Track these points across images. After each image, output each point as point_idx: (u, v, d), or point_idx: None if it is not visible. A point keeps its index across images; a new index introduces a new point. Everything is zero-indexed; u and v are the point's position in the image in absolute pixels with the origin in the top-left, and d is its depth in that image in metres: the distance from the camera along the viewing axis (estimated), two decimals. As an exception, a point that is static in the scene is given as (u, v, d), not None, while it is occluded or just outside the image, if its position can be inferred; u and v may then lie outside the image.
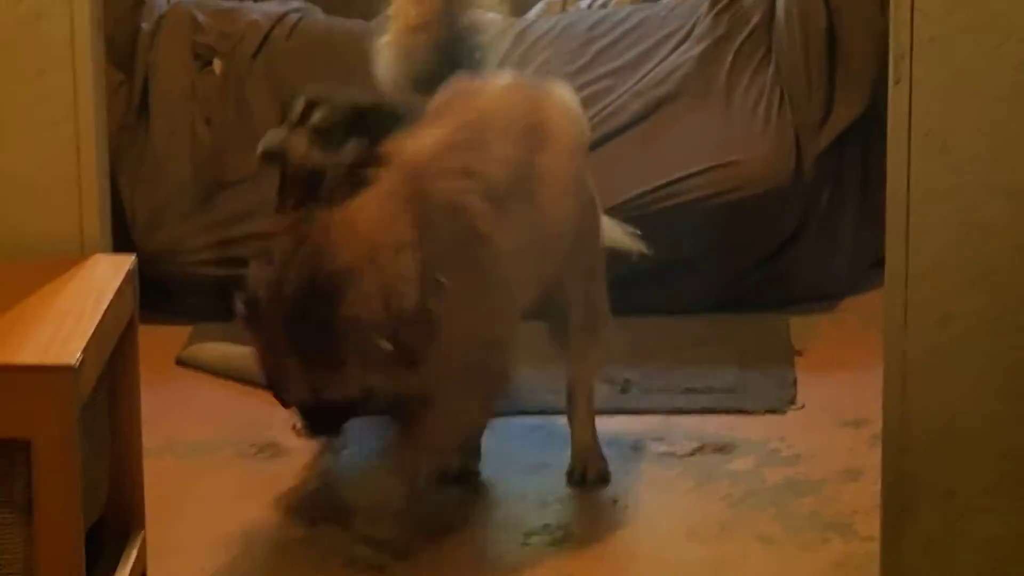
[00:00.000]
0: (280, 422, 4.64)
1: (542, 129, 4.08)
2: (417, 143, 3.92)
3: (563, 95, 4.29)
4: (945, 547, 3.14)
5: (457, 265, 3.81)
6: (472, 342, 3.91)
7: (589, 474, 4.29)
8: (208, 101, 5.16)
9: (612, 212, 4.79)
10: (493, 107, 4.11)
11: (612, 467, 4.37)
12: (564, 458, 4.29)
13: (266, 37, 5.20)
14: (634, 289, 4.88)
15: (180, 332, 5.06)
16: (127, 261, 3.09)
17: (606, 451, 4.43)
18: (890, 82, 3.05)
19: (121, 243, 3.22)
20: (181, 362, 4.94)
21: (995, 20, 3.01)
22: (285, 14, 5.29)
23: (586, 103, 5.12)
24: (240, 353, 4.90)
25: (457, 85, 4.17)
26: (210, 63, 5.16)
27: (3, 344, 2.80)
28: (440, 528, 4.13)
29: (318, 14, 5.39)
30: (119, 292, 2.99)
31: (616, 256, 4.47)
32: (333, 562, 4.01)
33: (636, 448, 4.52)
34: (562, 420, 4.34)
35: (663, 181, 5.20)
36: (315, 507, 4.29)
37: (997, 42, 3.01)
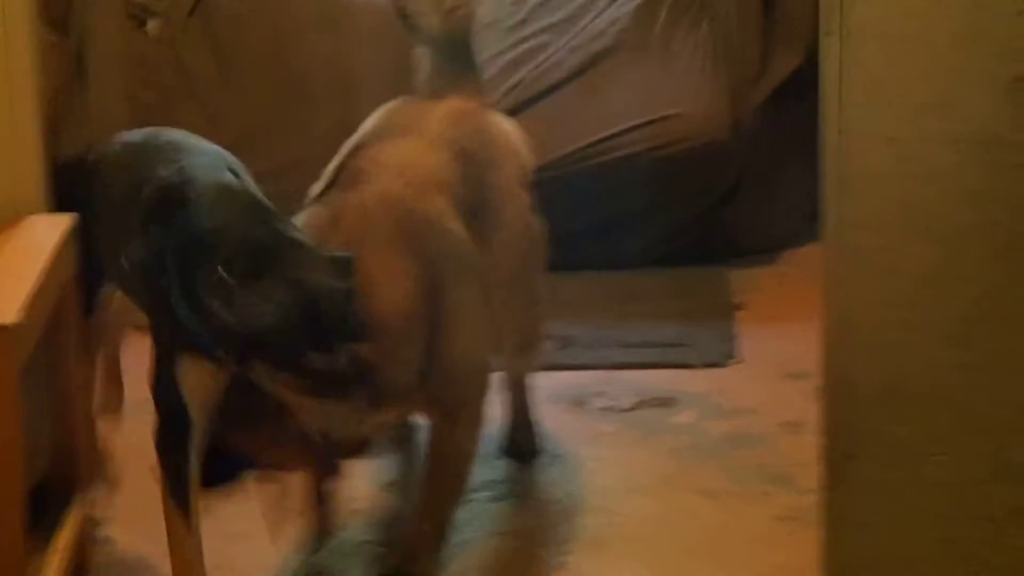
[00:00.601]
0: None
1: (491, 152, 4.05)
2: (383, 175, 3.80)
3: (506, 121, 4.24)
4: (887, 495, 3.15)
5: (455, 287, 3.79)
6: (475, 363, 3.82)
7: (524, 448, 4.32)
8: (145, 63, 5.16)
9: (553, 166, 4.83)
10: (443, 130, 4.06)
11: (554, 422, 4.39)
12: (502, 416, 4.30)
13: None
14: (576, 245, 4.92)
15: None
16: (66, 220, 3.08)
17: (548, 407, 4.45)
18: (821, 33, 3.06)
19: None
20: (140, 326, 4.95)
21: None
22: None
23: (524, 58, 5.14)
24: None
25: (402, 106, 4.17)
26: (144, 24, 5.16)
27: (-60, 304, 2.80)
28: (383, 487, 4.15)
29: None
30: (57, 252, 2.99)
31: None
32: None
33: (578, 403, 4.55)
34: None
35: (603, 135, 5.24)
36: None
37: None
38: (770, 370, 4.62)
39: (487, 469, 4.18)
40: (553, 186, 4.72)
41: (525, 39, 5.26)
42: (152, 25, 5.15)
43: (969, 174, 3.05)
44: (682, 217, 5.29)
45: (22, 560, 2.77)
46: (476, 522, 4.02)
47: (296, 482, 3.51)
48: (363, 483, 4.04)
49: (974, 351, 3.11)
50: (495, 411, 4.10)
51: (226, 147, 5.06)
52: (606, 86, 5.29)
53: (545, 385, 4.51)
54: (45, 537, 3.00)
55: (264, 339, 3.13)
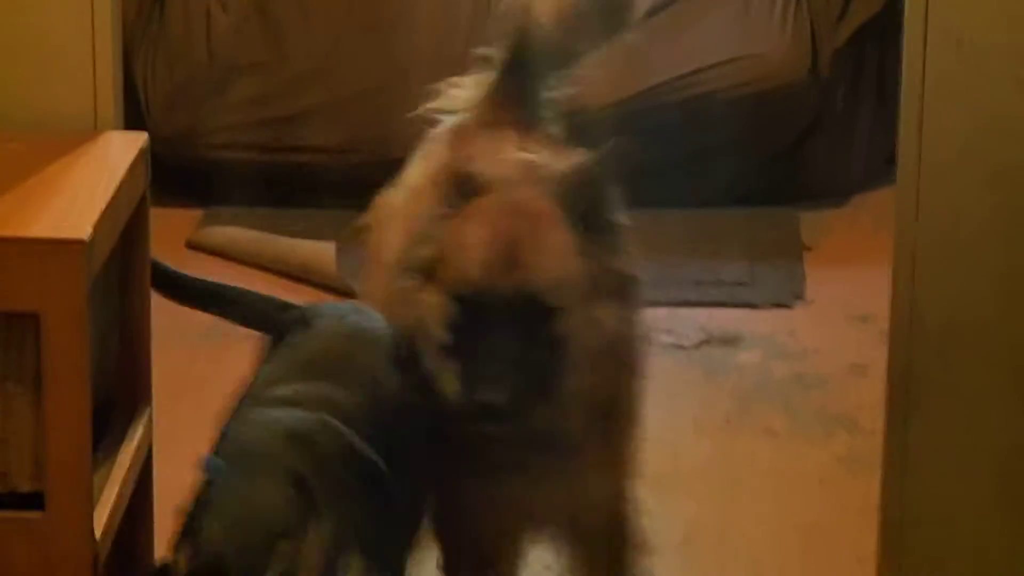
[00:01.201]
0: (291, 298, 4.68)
1: None
2: None
3: None
4: (949, 443, 3.16)
5: None
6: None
7: None
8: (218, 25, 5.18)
9: (636, 99, 4.84)
10: None
11: None
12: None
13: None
14: (652, 181, 4.91)
15: (190, 216, 5.08)
16: (140, 139, 3.08)
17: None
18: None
19: (133, 127, 3.20)
20: (193, 244, 4.97)
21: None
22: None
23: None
24: (248, 237, 4.95)
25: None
26: None
27: (16, 218, 2.80)
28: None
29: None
30: (131, 169, 2.99)
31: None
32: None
33: (644, 339, 4.57)
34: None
35: (685, 71, 5.24)
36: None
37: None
38: (837, 312, 4.62)
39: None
40: (634, 120, 4.74)
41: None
42: None
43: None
44: (758, 157, 5.29)
45: (87, 472, 2.79)
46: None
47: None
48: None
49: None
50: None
51: (299, 76, 5.11)
52: (691, 23, 5.30)
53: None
54: (110, 454, 3.01)
55: None
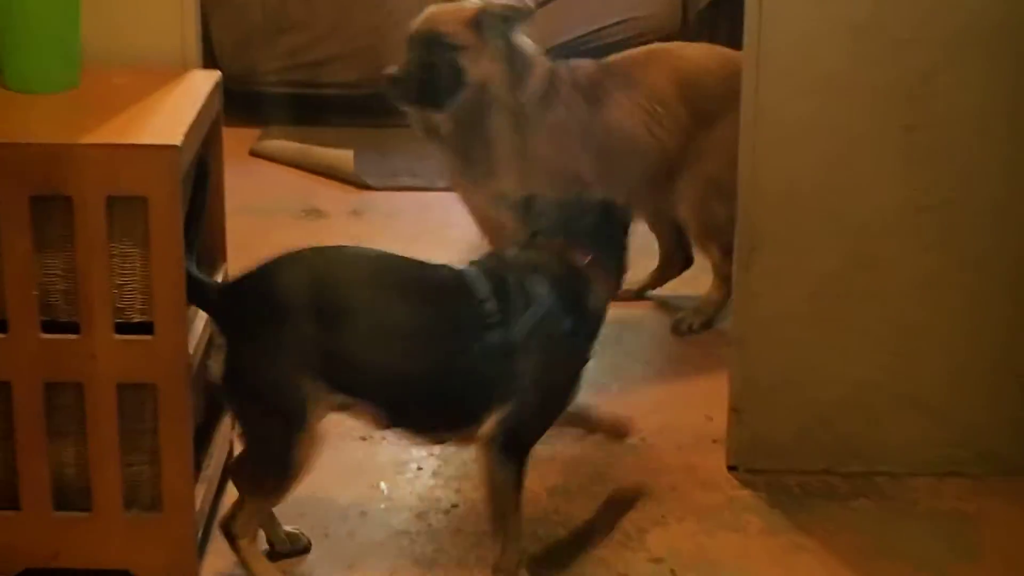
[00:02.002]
0: (321, 193, 4.67)
1: None
2: None
3: None
4: (781, 278, 3.17)
5: None
6: None
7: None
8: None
9: (564, 47, 4.81)
10: None
11: None
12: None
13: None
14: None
15: (252, 132, 5.08)
16: (215, 75, 3.07)
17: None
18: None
19: (209, 67, 3.17)
20: (253, 153, 4.98)
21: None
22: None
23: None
24: (293, 147, 4.95)
25: None
26: None
27: (129, 130, 2.78)
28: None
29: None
30: (209, 97, 2.98)
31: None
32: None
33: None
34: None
35: (595, 27, 5.23)
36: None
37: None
38: None
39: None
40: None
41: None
42: None
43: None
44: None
45: (183, 307, 2.77)
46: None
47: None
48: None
49: (843, 173, 3.12)
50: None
51: (323, 33, 5.07)
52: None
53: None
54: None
55: None
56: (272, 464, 2.82)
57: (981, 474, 3.21)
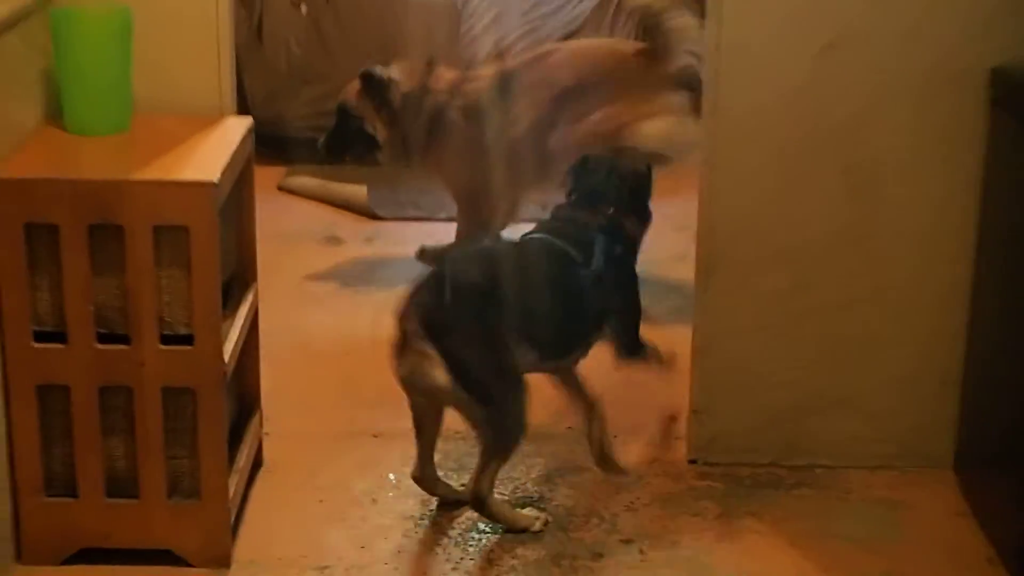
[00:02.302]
0: (339, 222, 4.67)
1: None
2: None
3: None
4: (734, 298, 3.18)
5: None
6: None
7: None
8: (298, 28, 5.13)
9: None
10: None
11: None
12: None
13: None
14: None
15: (280, 170, 5.08)
16: (247, 121, 3.07)
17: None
18: (707, 19, 3.04)
19: (242, 114, 3.18)
20: (281, 188, 4.98)
21: None
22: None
23: (530, 32, 5.11)
24: (314, 183, 4.95)
25: None
26: (299, 5, 5.13)
27: (173, 168, 2.79)
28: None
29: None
30: (243, 140, 2.98)
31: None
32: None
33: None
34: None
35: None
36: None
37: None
38: (667, 225, 4.58)
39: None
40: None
41: (530, 20, 5.21)
42: (303, 6, 5.12)
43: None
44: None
45: (219, 321, 2.80)
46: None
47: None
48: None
49: (788, 208, 3.12)
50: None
51: (341, 85, 5.06)
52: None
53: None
54: (232, 311, 3.00)
55: None
56: (514, 428, 2.96)
57: (906, 467, 3.22)
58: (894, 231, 3.10)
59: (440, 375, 2.86)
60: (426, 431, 3.08)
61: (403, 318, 2.92)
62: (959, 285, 3.11)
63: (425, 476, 3.11)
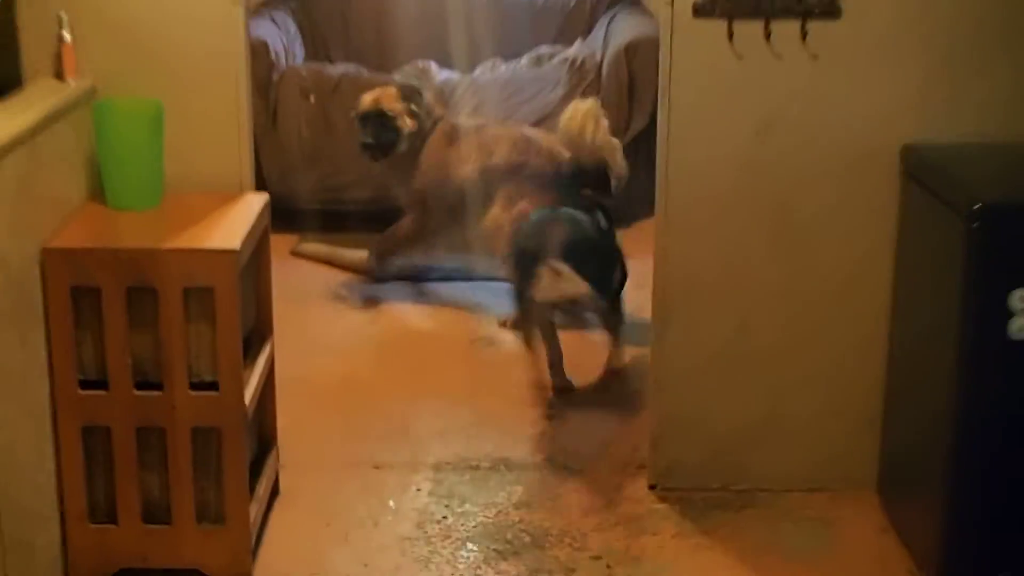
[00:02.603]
0: (345, 282, 4.67)
1: None
2: None
3: None
4: (687, 343, 3.17)
5: None
6: None
7: None
8: (308, 115, 5.14)
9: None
10: None
11: (510, 307, 4.33)
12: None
13: (337, 84, 5.17)
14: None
15: (292, 238, 5.05)
16: (264, 197, 3.08)
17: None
18: (659, 107, 3.08)
19: (260, 189, 3.19)
20: (294, 253, 4.95)
21: (731, 90, 3.02)
22: (346, 73, 5.24)
23: (507, 117, 5.10)
24: (323, 249, 4.93)
25: None
26: (308, 95, 5.14)
27: (200, 237, 2.80)
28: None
29: (364, 73, 5.31)
30: (260, 213, 2.99)
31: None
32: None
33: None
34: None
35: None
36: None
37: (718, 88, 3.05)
38: (629, 282, 4.59)
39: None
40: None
41: (510, 108, 5.19)
42: (311, 97, 5.13)
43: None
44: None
45: (240, 369, 2.80)
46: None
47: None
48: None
49: (731, 265, 3.13)
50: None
51: (345, 162, 5.06)
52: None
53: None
54: (252, 361, 3.00)
55: None
56: (624, 312, 4.01)
57: (838, 489, 3.21)
58: (822, 286, 3.12)
59: (579, 284, 3.57)
60: (554, 344, 3.80)
61: (535, 254, 3.61)
62: (878, 332, 3.12)
63: (565, 384, 3.78)
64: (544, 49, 5.49)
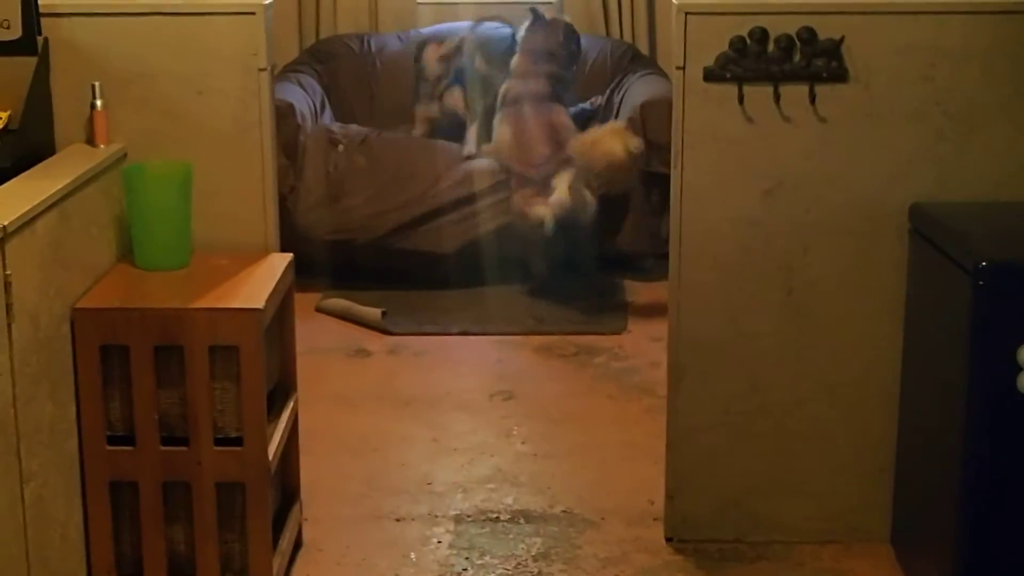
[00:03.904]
0: (366, 338, 4.67)
1: None
2: None
3: None
4: (700, 400, 3.16)
5: None
6: None
7: None
8: (336, 161, 5.13)
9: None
10: None
11: (527, 362, 4.37)
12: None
13: (365, 137, 5.19)
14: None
15: (315, 296, 5.05)
16: (288, 257, 3.09)
17: (532, 355, 4.45)
18: (672, 168, 3.08)
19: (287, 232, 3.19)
20: (318, 309, 4.95)
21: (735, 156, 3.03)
22: (371, 131, 5.27)
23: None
24: (346, 306, 4.92)
25: None
26: (338, 144, 5.14)
27: (226, 297, 2.81)
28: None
29: (386, 134, 5.32)
30: (285, 271, 3.00)
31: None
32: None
33: (546, 350, 4.57)
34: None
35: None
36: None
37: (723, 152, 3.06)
38: (644, 336, 4.61)
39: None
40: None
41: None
42: (340, 147, 5.14)
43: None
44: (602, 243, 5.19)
45: (264, 425, 2.80)
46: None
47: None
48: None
49: (741, 324, 3.13)
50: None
51: (355, 221, 5.06)
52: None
53: (527, 343, 4.51)
54: (276, 416, 3.01)
55: None
56: None
57: (849, 542, 3.19)
58: (833, 341, 3.11)
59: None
60: None
61: None
62: (890, 386, 3.11)
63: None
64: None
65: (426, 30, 5.81)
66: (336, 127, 5.27)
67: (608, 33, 5.84)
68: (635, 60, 5.69)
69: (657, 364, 4.24)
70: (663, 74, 5.46)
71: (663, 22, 5.82)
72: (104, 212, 2.91)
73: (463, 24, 5.67)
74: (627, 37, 5.83)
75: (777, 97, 2.97)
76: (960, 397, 2.70)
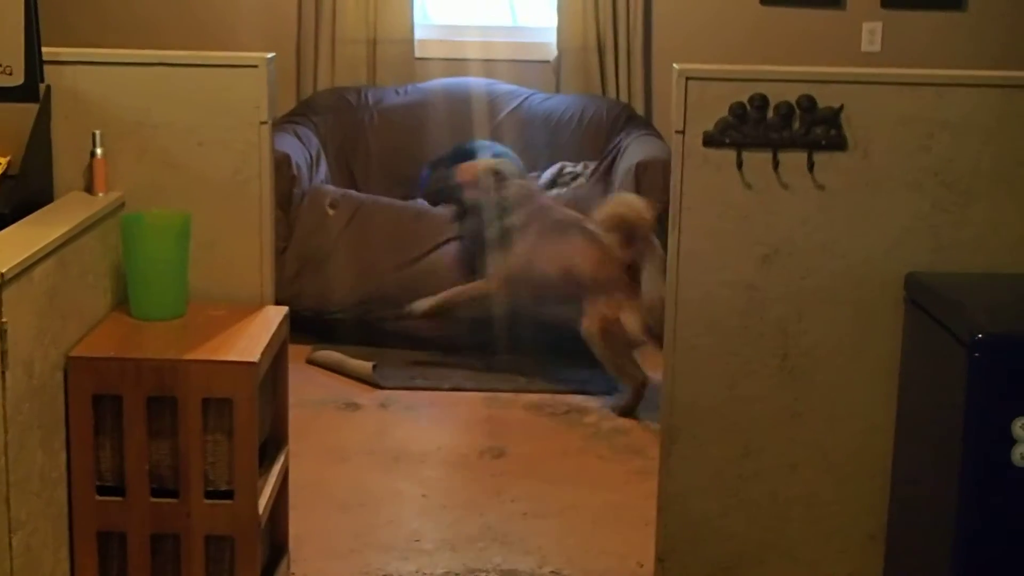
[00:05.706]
0: (357, 391, 4.65)
1: None
2: None
3: None
4: (692, 464, 3.14)
5: None
6: None
7: None
8: (332, 229, 5.14)
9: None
10: None
11: (518, 420, 4.35)
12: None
13: (360, 205, 5.19)
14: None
15: (306, 348, 5.02)
16: (283, 310, 3.09)
17: (523, 413, 4.44)
18: (670, 231, 3.09)
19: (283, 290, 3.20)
20: (309, 361, 4.94)
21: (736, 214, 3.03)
22: (366, 198, 5.27)
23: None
24: (333, 357, 4.90)
25: None
26: (330, 208, 5.15)
27: (220, 349, 2.80)
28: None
29: (382, 200, 5.33)
30: (280, 325, 3.00)
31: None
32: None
33: (536, 408, 4.55)
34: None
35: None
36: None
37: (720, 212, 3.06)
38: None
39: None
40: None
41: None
42: (333, 211, 5.14)
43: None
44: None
45: (256, 479, 2.79)
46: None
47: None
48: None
49: (735, 388, 3.12)
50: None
51: (339, 281, 5.06)
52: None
53: (525, 400, 4.50)
54: (267, 469, 2.99)
55: None
56: None
57: (838, 607, 3.18)
58: (827, 408, 3.10)
59: None
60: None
61: None
62: (882, 454, 3.09)
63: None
64: (562, 165, 5.53)
65: (424, 84, 5.84)
66: (332, 190, 5.26)
67: (604, 92, 5.86)
68: (631, 120, 5.72)
69: (648, 425, 4.22)
70: (659, 135, 5.49)
71: (659, 83, 5.86)
72: (101, 260, 2.91)
73: (462, 80, 5.72)
74: (623, 97, 5.86)
75: (776, 164, 2.98)
76: (954, 468, 2.69)
